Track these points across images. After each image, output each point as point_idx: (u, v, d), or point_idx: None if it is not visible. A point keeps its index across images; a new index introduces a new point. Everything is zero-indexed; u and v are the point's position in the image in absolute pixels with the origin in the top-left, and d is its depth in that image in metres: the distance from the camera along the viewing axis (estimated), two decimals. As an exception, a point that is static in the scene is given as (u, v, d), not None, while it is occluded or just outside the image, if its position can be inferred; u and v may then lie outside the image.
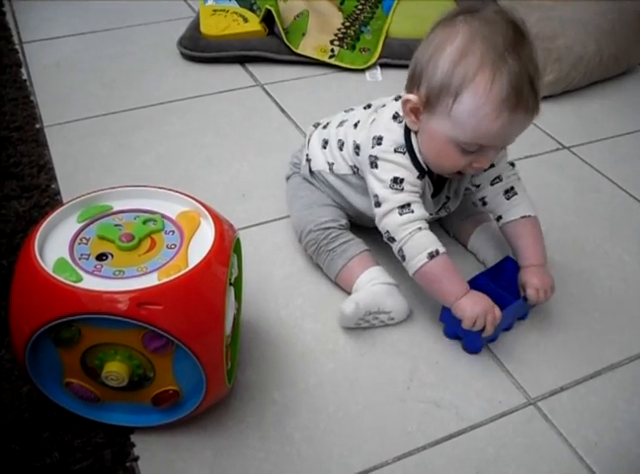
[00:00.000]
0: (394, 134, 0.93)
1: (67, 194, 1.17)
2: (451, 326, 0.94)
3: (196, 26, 1.69)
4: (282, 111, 1.45)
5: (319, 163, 1.06)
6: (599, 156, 1.37)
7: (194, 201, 0.82)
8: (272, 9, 1.62)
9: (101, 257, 0.75)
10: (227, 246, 0.78)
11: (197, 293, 0.73)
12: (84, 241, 0.77)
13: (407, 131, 0.93)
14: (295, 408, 0.86)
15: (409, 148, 0.92)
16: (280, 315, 0.98)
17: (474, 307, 0.88)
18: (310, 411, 0.86)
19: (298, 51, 1.61)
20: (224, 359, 0.77)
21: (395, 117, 0.94)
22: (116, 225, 0.79)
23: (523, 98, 0.83)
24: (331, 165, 1.04)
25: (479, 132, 0.85)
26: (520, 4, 1.73)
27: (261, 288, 1.01)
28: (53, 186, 1.20)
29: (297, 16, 1.68)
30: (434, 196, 0.98)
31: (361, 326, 0.96)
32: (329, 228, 1.02)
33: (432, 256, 0.89)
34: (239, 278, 0.89)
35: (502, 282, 0.97)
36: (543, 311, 1.01)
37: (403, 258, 0.91)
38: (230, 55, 1.62)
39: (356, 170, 1.00)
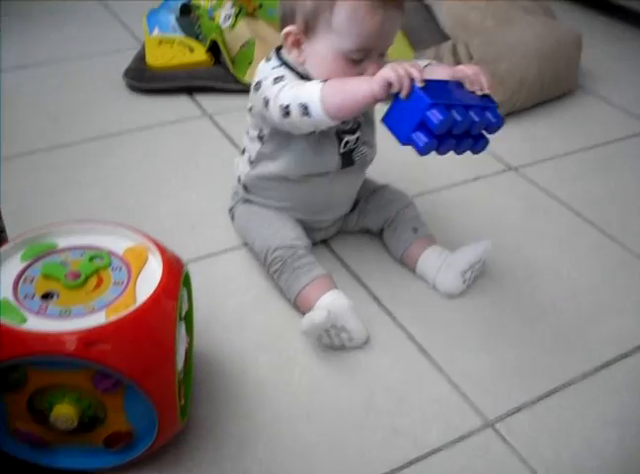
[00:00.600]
0: (270, 64, 0.98)
1: (13, 230, 1.13)
2: (408, 119, 0.84)
3: (141, 57, 1.68)
4: (231, 140, 1.45)
5: (244, 168, 1.09)
6: (545, 176, 1.40)
7: (141, 236, 0.81)
8: (217, 39, 1.63)
9: (46, 296, 0.74)
10: (176, 280, 0.77)
11: (146, 330, 0.71)
12: (28, 280, 0.75)
13: (282, 63, 0.97)
14: (252, 441, 0.85)
15: (288, 67, 0.97)
16: (233, 347, 0.97)
17: (386, 66, 0.84)
18: (267, 444, 0.85)
19: (245, 80, 1.61)
20: (177, 396, 0.75)
21: (267, 59, 0.99)
22: (61, 263, 0.77)
23: None
24: (249, 158, 1.07)
25: (363, 33, 0.90)
26: (463, 29, 1.78)
27: (213, 320, 0.99)
28: (-2, 223, 1.17)
29: (243, 45, 1.69)
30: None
31: (321, 339, 0.96)
32: (295, 246, 1.02)
33: (323, 81, 0.89)
34: (190, 312, 0.88)
35: None
36: (496, 331, 1.02)
37: (305, 108, 0.88)
38: (177, 86, 1.61)
39: (260, 132, 1.02)
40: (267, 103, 0.94)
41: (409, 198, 1.17)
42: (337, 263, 1.13)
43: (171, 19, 1.80)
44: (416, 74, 0.83)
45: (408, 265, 1.12)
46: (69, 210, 1.21)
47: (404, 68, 0.83)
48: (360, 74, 0.93)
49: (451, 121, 0.83)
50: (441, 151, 0.86)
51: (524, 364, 0.97)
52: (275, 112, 0.92)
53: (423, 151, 0.85)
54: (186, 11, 1.82)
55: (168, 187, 1.30)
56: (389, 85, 0.83)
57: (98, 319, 0.70)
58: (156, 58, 1.65)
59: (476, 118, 0.85)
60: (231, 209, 1.15)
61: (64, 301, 0.73)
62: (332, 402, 0.90)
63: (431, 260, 1.08)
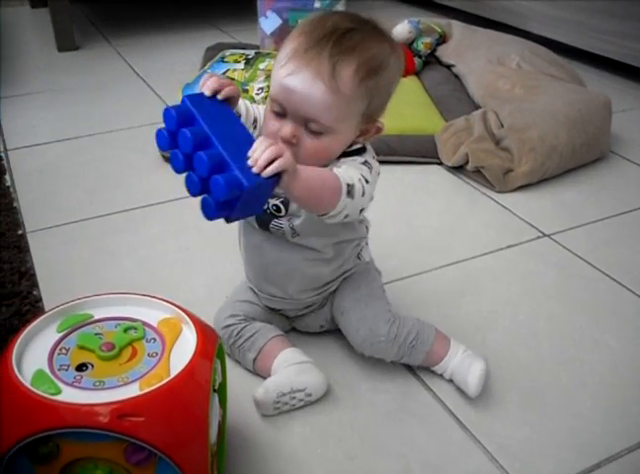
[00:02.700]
0: None
1: (49, 300, 1.16)
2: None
3: (177, 129, 1.72)
4: (264, 209, 1.46)
5: None
6: (579, 242, 1.39)
7: (175, 308, 0.81)
8: (250, 109, 1.66)
9: (81, 367, 0.73)
10: (210, 352, 0.76)
11: (179, 403, 0.71)
12: (64, 351, 0.76)
13: None
14: (285, 518, 0.83)
15: None
16: (266, 419, 0.95)
17: None
18: (301, 520, 0.83)
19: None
20: (210, 470, 0.74)
21: None
22: (96, 334, 0.77)
23: (313, 58, 0.83)
24: None
25: (274, 82, 0.86)
26: (493, 97, 1.80)
27: (246, 393, 0.98)
28: (35, 292, 1.19)
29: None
30: None
31: (282, 410, 0.95)
32: (230, 325, 1.03)
33: None
34: (223, 384, 0.87)
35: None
36: (535, 402, 0.99)
37: None
38: (211, 156, 1.64)
39: None
40: None
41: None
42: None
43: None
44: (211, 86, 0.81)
45: None
46: (103, 281, 1.23)
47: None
48: (277, 130, 0.86)
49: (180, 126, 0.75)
50: (175, 158, 0.76)
51: (565, 437, 0.94)
52: None
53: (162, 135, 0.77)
54: (220, 84, 1.87)
55: (201, 257, 1.31)
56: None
57: (131, 391, 0.70)
58: (191, 130, 1.69)
59: (204, 157, 0.72)
60: None
61: (98, 373, 0.73)
62: (367, 476, 0.88)
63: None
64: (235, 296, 1.08)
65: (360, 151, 0.94)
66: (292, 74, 0.84)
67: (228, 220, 0.76)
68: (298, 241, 0.96)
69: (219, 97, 0.81)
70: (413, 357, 1.01)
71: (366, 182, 0.89)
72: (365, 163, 0.91)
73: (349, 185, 0.85)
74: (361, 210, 0.90)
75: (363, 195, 0.88)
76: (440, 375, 1.02)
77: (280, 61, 0.86)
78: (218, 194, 0.71)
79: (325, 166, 0.90)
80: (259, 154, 0.73)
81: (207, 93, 0.81)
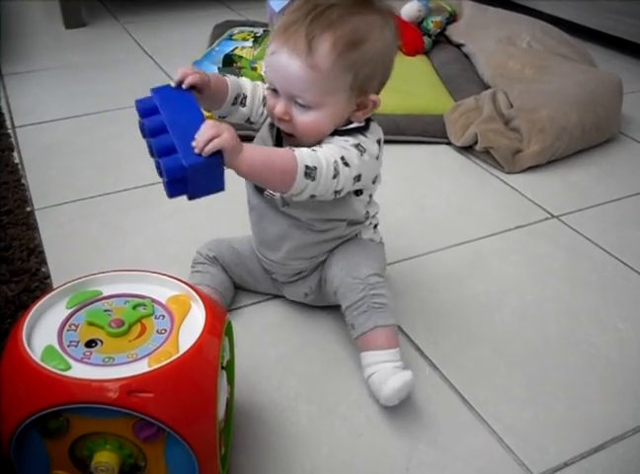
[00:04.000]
0: None
1: (57, 277, 1.17)
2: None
3: (185, 107, 1.72)
4: (272, 188, 1.46)
5: None
6: (588, 224, 1.38)
7: (184, 285, 0.81)
8: (259, 88, 1.66)
9: (90, 343, 0.74)
10: (218, 330, 0.77)
11: (188, 380, 0.71)
12: (73, 327, 0.76)
13: None
14: (292, 494, 0.84)
15: None
16: (273, 397, 0.96)
17: None
18: (307, 496, 0.83)
19: (286, 129, 1.63)
20: (218, 446, 0.75)
21: None
22: (105, 311, 0.78)
23: (291, 36, 0.86)
24: None
25: (265, 59, 0.91)
26: (502, 77, 1.78)
27: (253, 370, 0.99)
28: (43, 269, 1.19)
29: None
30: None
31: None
32: (201, 255, 1.13)
33: None
34: (231, 361, 0.88)
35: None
36: (541, 383, 1.00)
37: None
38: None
39: None
40: None
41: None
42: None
43: (214, 69, 1.84)
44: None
45: None
46: (112, 258, 1.23)
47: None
48: (273, 107, 0.91)
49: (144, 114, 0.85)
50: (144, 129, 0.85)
51: (571, 417, 0.95)
52: None
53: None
54: (228, 62, 1.87)
55: (211, 234, 1.30)
56: None
57: (140, 367, 0.70)
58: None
59: (155, 143, 0.81)
60: None
61: (108, 349, 0.73)
62: (373, 454, 0.89)
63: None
64: (234, 240, 1.13)
65: (355, 131, 0.93)
66: (274, 53, 0.88)
67: (190, 198, 0.81)
68: (287, 211, 0.97)
69: (183, 86, 0.87)
70: (370, 314, 0.96)
71: (346, 165, 0.88)
72: (358, 146, 0.91)
73: (308, 167, 0.85)
74: (337, 192, 0.90)
75: (335, 177, 0.87)
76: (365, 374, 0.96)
77: (268, 42, 0.90)
78: (165, 174, 0.78)
79: (318, 142, 0.91)
80: (200, 136, 0.78)
81: (173, 84, 0.88)
